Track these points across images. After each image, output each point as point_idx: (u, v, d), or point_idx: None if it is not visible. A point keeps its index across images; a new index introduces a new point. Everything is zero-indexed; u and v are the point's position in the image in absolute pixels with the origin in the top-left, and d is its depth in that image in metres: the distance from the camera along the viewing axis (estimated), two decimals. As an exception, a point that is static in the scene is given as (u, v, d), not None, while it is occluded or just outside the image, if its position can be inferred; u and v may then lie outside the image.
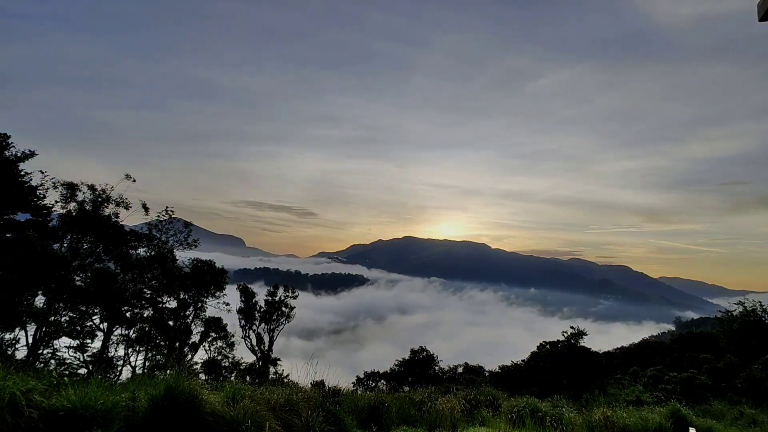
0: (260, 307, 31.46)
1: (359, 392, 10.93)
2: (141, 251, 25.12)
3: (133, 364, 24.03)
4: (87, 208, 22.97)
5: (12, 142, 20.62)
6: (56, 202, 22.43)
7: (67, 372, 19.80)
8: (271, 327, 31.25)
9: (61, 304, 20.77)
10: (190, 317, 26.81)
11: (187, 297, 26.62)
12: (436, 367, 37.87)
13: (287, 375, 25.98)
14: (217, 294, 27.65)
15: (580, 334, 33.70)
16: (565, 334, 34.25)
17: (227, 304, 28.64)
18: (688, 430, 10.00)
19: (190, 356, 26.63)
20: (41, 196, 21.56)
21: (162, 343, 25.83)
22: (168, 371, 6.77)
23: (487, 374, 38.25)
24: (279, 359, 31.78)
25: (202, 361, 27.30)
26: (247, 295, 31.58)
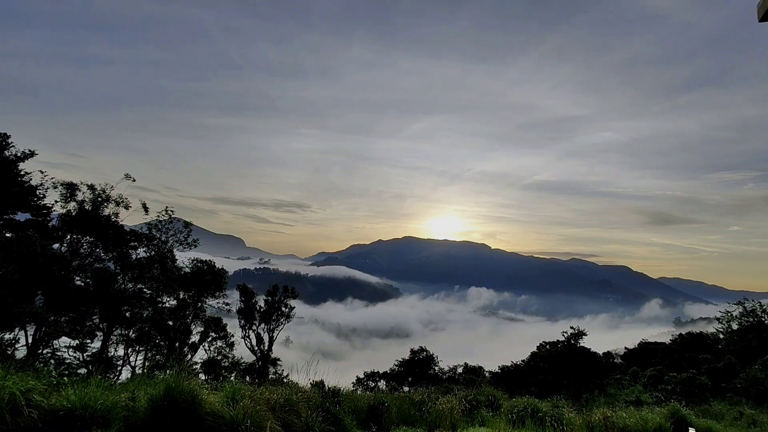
0: (260, 307, 31.44)
1: (359, 392, 10.93)
2: (141, 251, 25.13)
3: (132, 364, 24.02)
4: (87, 207, 22.97)
5: (12, 142, 20.64)
6: (56, 201, 22.45)
7: (66, 372, 19.78)
8: (271, 327, 31.23)
9: (60, 304, 20.75)
10: (190, 317, 26.80)
11: (186, 297, 26.61)
12: (436, 367, 37.86)
13: (287, 375, 25.97)
14: (217, 294, 27.66)
15: (580, 334, 33.69)
16: (565, 335, 34.25)
17: (227, 304, 28.65)
18: (688, 430, 10.01)
19: (189, 356, 26.62)
20: (41, 195, 21.58)
21: (162, 343, 25.82)
22: (168, 371, 6.77)
23: (487, 374, 38.23)
24: (279, 359, 31.77)
25: (201, 361, 27.29)
26: (246, 295, 31.56)
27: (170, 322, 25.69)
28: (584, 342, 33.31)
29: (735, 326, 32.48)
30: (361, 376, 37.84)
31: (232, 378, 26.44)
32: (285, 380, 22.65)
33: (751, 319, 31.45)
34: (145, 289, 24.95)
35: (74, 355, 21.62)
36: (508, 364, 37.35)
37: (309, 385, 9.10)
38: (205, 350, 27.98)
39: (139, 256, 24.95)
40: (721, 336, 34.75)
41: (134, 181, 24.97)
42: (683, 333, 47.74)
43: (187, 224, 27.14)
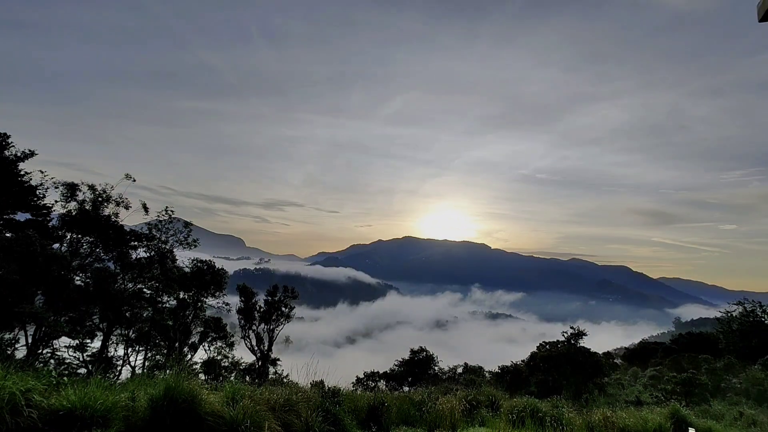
0: (260, 307, 31.43)
1: (359, 392, 10.91)
2: (141, 251, 25.13)
3: (132, 364, 24.02)
4: (87, 207, 22.98)
5: (12, 142, 20.64)
6: (56, 201, 22.45)
7: (66, 372, 19.79)
8: (271, 327, 31.22)
9: (60, 304, 20.76)
10: (190, 317, 26.80)
11: (186, 297, 26.61)
12: (436, 367, 37.84)
13: (287, 375, 25.98)
14: (217, 294, 27.65)
15: (580, 334, 33.66)
16: (565, 335, 34.23)
17: (227, 304, 28.65)
18: (688, 430, 10.00)
19: (189, 356, 26.62)
20: (41, 195, 21.58)
21: (161, 343, 25.81)
22: (167, 371, 6.77)
23: (487, 374, 38.21)
24: (279, 359, 31.77)
25: (201, 361, 27.29)
26: (246, 295, 31.54)
27: (170, 322, 25.69)
28: (584, 342, 33.27)
29: (735, 326, 32.49)
30: (361, 376, 37.82)
31: (231, 378, 26.44)
32: (285, 380, 22.69)
33: (751, 320, 31.46)
34: (145, 289, 24.95)
35: (74, 355, 21.62)
36: (508, 364, 37.33)
37: (309, 385, 9.10)
38: (205, 350, 27.98)
39: (139, 256, 24.95)
40: (721, 336, 34.73)
41: (134, 181, 24.98)
42: (683, 333, 47.76)
43: (187, 224, 27.14)
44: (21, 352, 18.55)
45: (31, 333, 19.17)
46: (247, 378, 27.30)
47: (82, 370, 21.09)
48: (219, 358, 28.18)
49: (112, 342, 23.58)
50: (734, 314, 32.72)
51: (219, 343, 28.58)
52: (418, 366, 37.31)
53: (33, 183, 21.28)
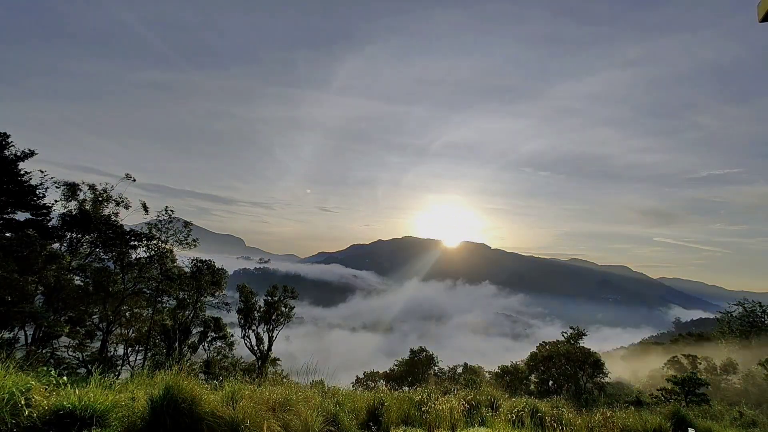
0: (260, 307, 31.44)
1: (359, 392, 10.91)
2: (140, 251, 25.14)
3: (132, 363, 24.03)
4: (87, 207, 22.98)
5: (11, 141, 20.62)
6: (56, 201, 22.45)
7: (66, 372, 19.75)
8: (271, 327, 31.22)
9: (60, 304, 20.76)
10: (190, 317, 26.80)
11: (186, 297, 26.61)
12: (436, 367, 37.87)
13: (287, 375, 25.96)
14: (217, 294, 27.66)
15: (580, 334, 33.70)
16: (565, 335, 34.28)
17: (226, 304, 28.65)
18: (688, 430, 10.00)
19: (189, 356, 26.61)
20: (41, 195, 21.56)
21: (161, 342, 25.82)
22: (167, 371, 6.77)
23: (487, 374, 38.23)
24: (278, 359, 31.78)
25: (201, 361, 27.29)
26: (246, 295, 31.55)
27: (170, 322, 25.69)
28: (584, 342, 33.31)
29: (735, 327, 32.51)
30: (361, 375, 37.86)
31: (231, 378, 26.42)
32: (284, 380, 22.66)
33: (751, 320, 31.48)
34: (144, 289, 24.96)
35: (74, 354, 21.63)
36: (508, 364, 37.37)
37: (308, 385, 9.10)
38: (205, 350, 27.98)
39: (138, 256, 24.96)
40: (722, 337, 34.75)
41: (134, 180, 25.00)
42: (683, 333, 47.79)
43: (186, 224, 27.15)
44: (21, 352, 18.56)
45: (31, 333, 19.18)
46: (247, 378, 27.27)
47: (82, 370, 21.08)
48: (219, 357, 28.17)
49: (112, 342, 23.58)
50: (734, 314, 32.74)
51: (219, 343, 28.58)
52: (418, 366, 37.33)
53: (33, 182, 21.27)
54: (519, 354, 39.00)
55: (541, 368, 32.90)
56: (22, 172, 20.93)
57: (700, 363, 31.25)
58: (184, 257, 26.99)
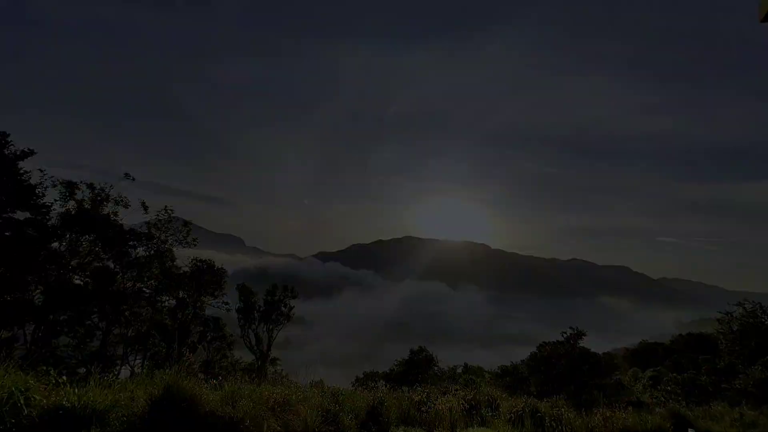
0: (259, 306, 31.43)
1: (358, 392, 10.90)
2: (140, 250, 25.12)
3: (131, 363, 24.04)
4: (86, 206, 22.95)
5: (11, 141, 20.58)
6: (55, 200, 22.41)
7: (65, 371, 19.75)
8: (270, 327, 31.23)
9: (59, 303, 20.75)
10: (189, 316, 26.80)
11: (186, 296, 26.61)
12: (436, 367, 37.83)
13: (286, 375, 25.97)
14: (216, 293, 27.66)
15: (580, 334, 33.65)
16: (565, 335, 34.21)
17: (226, 304, 28.65)
18: (688, 431, 10.00)
19: (188, 356, 26.61)
20: (40, 194, 21.51)
21: (161, 342, 25.82)
22: (167, 371, 6.76)
23: (487, 374, 38.21)
24: (278, 359, 31.78)
25: (201, 360, 27.28)
26: (246, 295, 31.55)
27: (169, 322, 25.70)
28: (584, 342, 33.26)
29: (735, 327, 32.47)
30: (361, 375, 37.82)
31: (231, 378, 26.40)
32: (284, 380, 22.67)
33: (751, 320, 31.44)
34: (144, 289, 24.95)
35: (73, 354, 21.61)
36: (508, 364, 37.35)
37: (308, 385, 9.09)
38: (205, 350, 27.96)
39: (138, 255, 24.94)
40: (722, 337, 34.72)
41: (134, 180, 24.98)
42: (683, 334, 47.80)
43: (186, 223, 27.15)
44: (20, 351, 18.55)
45: (30, 332, 19.17)
46: (247, 378, 27.27)
47: (82, 370, 21.08)
48: (218, 357, 28.17)
49: (112, 341, 23.58)
50: (734, 315, 32.70)
51: (218, 343, 28.57)
52: (417, 366, 37.30)
53: (32, 182, 21.22)
54: (519, 354, 38.94)
55: (541, 368, 32.87)
56: (21, 171, 20.90)
57: (701, 363, 31.22)
58: (183, 256, 27.02)
